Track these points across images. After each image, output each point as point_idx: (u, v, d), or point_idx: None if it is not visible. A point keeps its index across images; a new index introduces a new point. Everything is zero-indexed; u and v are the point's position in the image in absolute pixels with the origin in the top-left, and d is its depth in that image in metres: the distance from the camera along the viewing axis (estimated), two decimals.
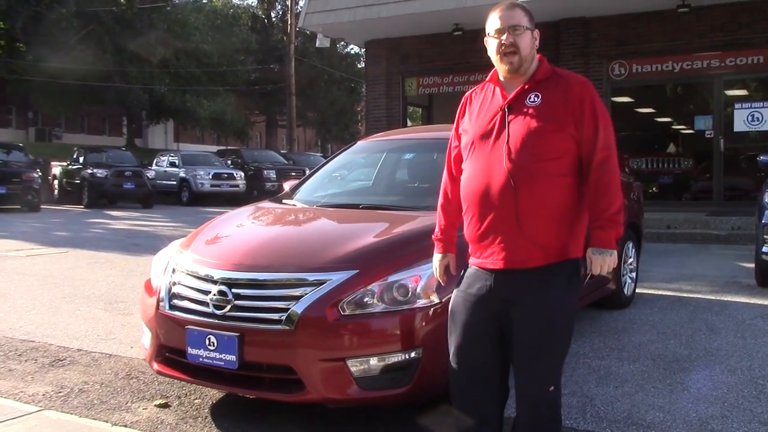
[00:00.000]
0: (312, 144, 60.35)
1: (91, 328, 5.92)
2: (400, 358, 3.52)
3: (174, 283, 3.96)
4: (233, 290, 3.65)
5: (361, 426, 3.82)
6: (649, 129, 16.66)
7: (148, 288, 4.19)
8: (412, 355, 3.53)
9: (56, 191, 24.03)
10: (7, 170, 19.23)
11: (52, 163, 24.81)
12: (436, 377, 3.64)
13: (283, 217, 4.75)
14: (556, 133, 2.67)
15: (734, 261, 9.37)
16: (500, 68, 2.81)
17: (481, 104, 2.86)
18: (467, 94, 3.01)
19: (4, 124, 40.11)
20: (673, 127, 16.60)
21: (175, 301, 3.89)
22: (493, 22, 2.78)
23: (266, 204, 5.21)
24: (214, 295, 3.68)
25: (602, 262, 2.67)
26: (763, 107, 12.83)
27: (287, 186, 5.52)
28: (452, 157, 3.03)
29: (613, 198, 2.68)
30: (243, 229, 4.54)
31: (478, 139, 2.78)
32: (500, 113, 2.74)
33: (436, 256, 3.15)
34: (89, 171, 21.87)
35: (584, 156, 2.70)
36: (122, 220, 17.33)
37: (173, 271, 4.03)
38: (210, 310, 3.68)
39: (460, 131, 2.94)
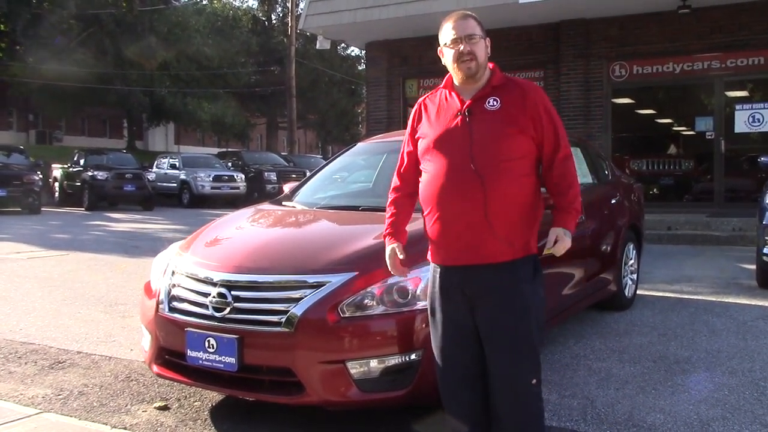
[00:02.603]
0: (313, 146, 60.38)
1: (91, 330, 5.92)
2: (399, 360, 3.51)
3: (173, 286, 3.95)
4: (233, 292, 3.64)
5: (360, 428, 3.81)
6: (650, 130, 16.64)
7: (148, 290, 4.18)
8: (412, 357, 3.52)
9: (57, 194, 24.04)
10: (8, 173, 19.24)
11: (53, 165, 24.82)
12: (435, 379, 3.62)
13: (282, 219, 4.75)
14: (518, 136, 2.82)
15: (735, 262, 9.36)
16: (457, 75, 2.93)
17: (438, 109, 2.97)
18: (420, 100, 3.13)
19: (4, 127, 40.12)
20: (674, 128, 16.59)
21: (175, 304, 3.88)
22: (447, 33, 2.93)
23: (266, 206, 5.20)
24: (214, 297, 3.67)
25: (564, 241, 2.86)
26: (763, 108, 12.81)
27: (287, 188, 5.51)
28: (405, 161, 3.15)
29: (576, 189, 2.94)
30: (243, 231, 4.53)
31: (439, 141, 2.89)
32: (461, 117, 2.87)
33: (389, 248, 3.17)
34: (90, 173, 21.87)
35: (546, 155, 2.89)
36: (123, 222, 17.34)
37: (173, 273, 4.02)
38: (209, 312, 3.67)
39: (417, 136, 3.03)
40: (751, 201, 12.89)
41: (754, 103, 13.24)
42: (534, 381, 2.82)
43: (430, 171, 2.90)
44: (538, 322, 2.85)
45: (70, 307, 6.83)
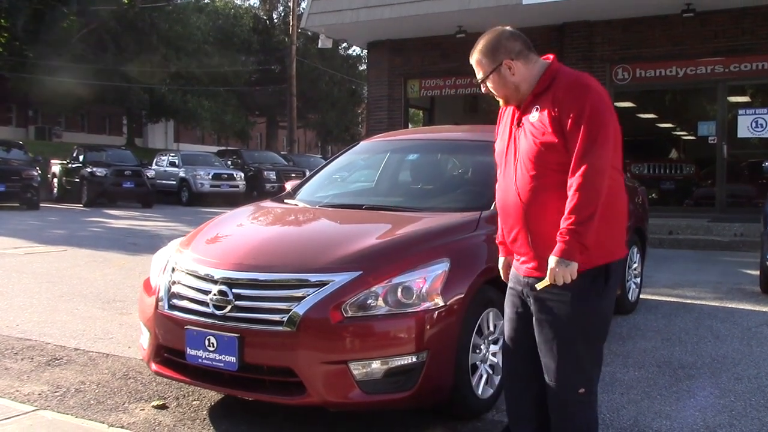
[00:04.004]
0: (312, 145, 60.31)
1: (88, 327, 5.85)
2: (403, 362, 3.45)
3: (173, 283, 3.88)
4: (234, 290, 3.58)
5: (362, 430, 3.74)
6: (652, 134, 16.60)
7: (147, 287, 4.11)
8: (417, 358, 3.45)
9: (56, 189, 23.92)
10: (7, 168, 19.15)
11: (52, 161, 24.69)
12: (440, 381, 3.58)
13: (284, 217, 4.68)
14: (550, 145, 2.69)
15: (738, 268, 9.30)
16: None
17: (504, 121, 2.98)
18: (502, 107, 3.05)
19: (4, 122, 40.02)
20: (676, 132, 16.56)
21: (175, 301, 3.81)
22: None
23: (267, 203, 5.14)
24: (215, 295, 3.60)
25: (557, 272, 2.63)
26: (767, 113, 12.76)
27: (289, 186, 5.44)
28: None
29: (583, 207, 2.57)
30: (244, 228, 4.46)
31: (499, 156, 2.95)
32: (514, 129, 2.85)
33: (501, 259, 3.21)
34: (89, 170, 21.77)
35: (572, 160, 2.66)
36: (121, 219, 17.26)
37: (173, 270, 3.95)
38: (210, 310, 3.61)
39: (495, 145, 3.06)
40: (753, 207, 12.88)
41: (757, 108, 13.19)
42: (582, 390, 2.78)
43: (498, 182, 2.99)
44: (585, 334, 2.75)
45: (68, 303, 6.76)
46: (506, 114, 2.97)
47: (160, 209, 21.26)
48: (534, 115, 2.74)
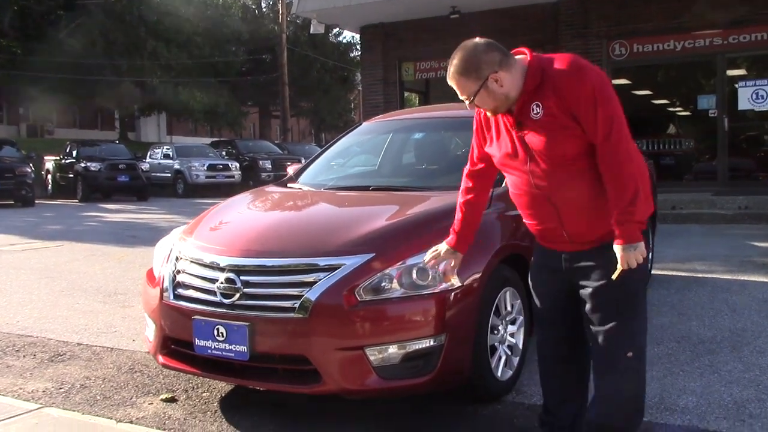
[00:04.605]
0: (306, 133, 59.97)
1: (90, 321, 5.71)
2: (421, 346, 3.33)
3: (178, 272, 3.75)
4: (242, 277, 3.44)
5: (380, 418, 3.62)
6: (651, 109, 16.43)
7: (150, 278, 3.98)
8: (435, 341, 3.33)
9: (50, 186, 23.78)
10: (0, 166, 18.96)
11: (45, 157, 24.52)
12: (459, 364, 3.46)
13: (289, 201, 4.54)
14: (568, 138, 2.61)
15: (745, 240, 9.18)
16: None
17: (496, 124, 2.83)
18: (478, 110, 2.89)
19: None
20: (676, 106, 16.39)
21: (180, 291, 3.67)
22: None
23: (270, 188, 5.00)
24: (222, 283, 3.47)
25: (628, 258, 2.59)
26: (767, 85, 12.62)
27: (291, 170, 5.29)
28: (469, 166, 3.06)
29: (624, 188, 2.56)
30: (248, 214, 4.32)
31: (504, 162, 2.82)
32: (514, 132, 2.73)
33: (445, 246, 3.09)
34: (83, 165, 21.59)
35: (595, 146, 2.62)
36: (118, 213, 17.08)
37: (176, 259, 3.81)
38: (218, 299, 3.47)
39: (486, 150, 2.92)
40: (754, 180, 12.78)
41: (757, 79, 13.03)
42: (630, 354, 2.72)
43: (510, 187, 2.89)
44: (635, 297, 2.74)
45: (68, 298, 6.62)
46: (491, 121, 2.85)
47: (156, 202, 21.09)
48: (537, 112, 2.64)
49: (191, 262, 3.72)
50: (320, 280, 3.34)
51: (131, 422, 3.59)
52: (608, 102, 2.58)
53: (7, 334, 5.34)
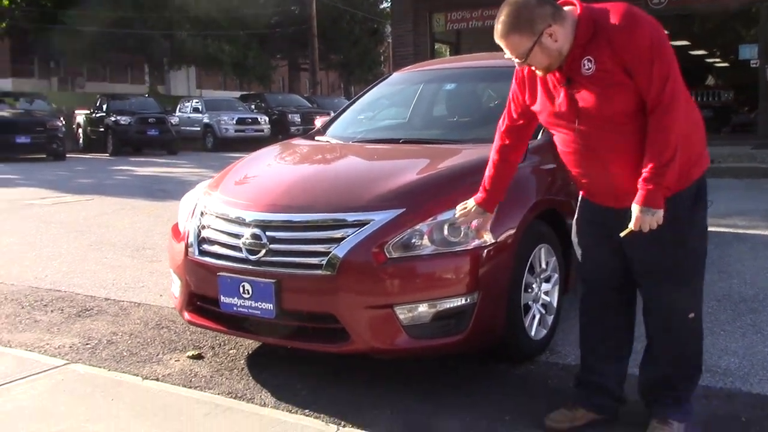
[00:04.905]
0: (335, 87, 59.55)
1: (118, 276, 5.68)
2: (453, 304, 3.21)
3: (203, 227, 3.65)
4: (268, 233, 3.33)
5: (410, 378, 3.53)
6: (689, 60, 15.96)
7: (176, 233, 3.89)
8: (467, 300, 3.21)
9: (81, 140, 23.88)
10: (31, 119, 19.11)
11: (76, 111, 24.61)
12: (492, 323, 3.34)
13: (317, 155, 4.41)
14: (621, 95, 2.49)
15: None
16: None
17: (541, 81, 2.68)
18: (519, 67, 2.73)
19: (26, 74, 39.83)
20: (715, 57, 15.92)
21: (205, 246, 3.59)
22: None
23: (298, 141, 4.87)
24: (247, 238, 3.37)
25: (643, 222, 2.49)
26: None
27: (319, 122, 5.15)
28: (506, 122, 2.93)
29: (663, 150, 2.45)
30: (275, 167, 4.21)
31: (553, 117, 2.68)
32: (563, 89, 2.59)
33: (473, 203, 3.01)
34: (113, 119, 21.67)
35: (646, 103, 2.50)
36: (147, 166, 17.11)
37: (201, 214, 3.72)
38: (243, 255, 3.37)
39: (527, 103, 2.79)
40: None
41: None
42: (691, 315, 2.68)
43: (558, 144, 2.77)
44: (696, 253, 2.67)
45: (97, 252, 6.60)
46: (536, 78, 2.69)
47: (185, 156, 21.09)
48: (589, 67, 2.50)
49: (216, 217, 3.62)
50: (348, 236, 3.22)
51: (157, 379, 3.54)
52: (665, 58, 2.44)
53: (36, 288, 5.33)
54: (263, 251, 3.32)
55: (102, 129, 22.12)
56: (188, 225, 3.75)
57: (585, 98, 2.52)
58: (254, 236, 3.35)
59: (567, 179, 3.91)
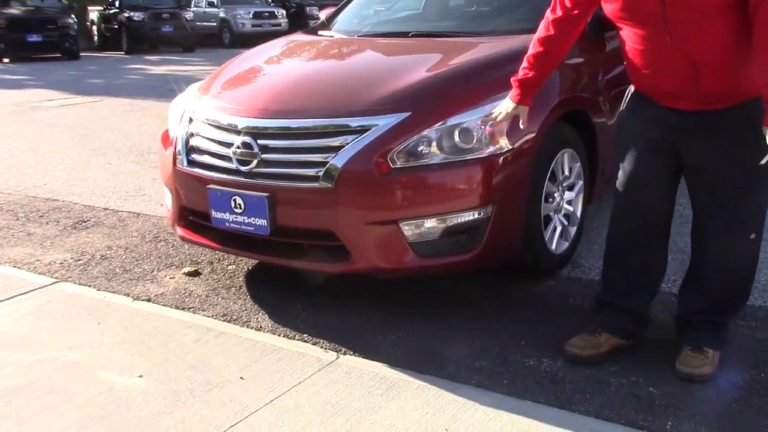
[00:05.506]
0: None
1: (120, 183, 5.42)
2: (465, 219, 2.89)
3: (192, 135, 3.33)
4: (260, 141, 3.01)
5: (418, 298, 3.26)
6: None
7: (165, 140, 3.59)
8: (480, 213, 2.89)
9: (96, 38, 23.31)
10: (41, 17, 18.60)
11: (89, 8, 23.92)
12: (508, 238, 3.04)
13: (318, 52, 4.01)
14: None
15: None
16: None
17: None
18: None
19: None
20: None
21: (194, 156, 3.28)
22: None
23: (299, 36, 4.45)
24: (238, 147, 3.04)
25: None
26: None
27: (323, 14, 4.72)
28: (559, 11, 2.51)
29: None
30: (272, 67, 3.83)
31: (628, 9, 2.28)
32: None
33: (508, 103, 2.66)
34: (126, 15, 21.02)
35: None
36: (161, 65, 16.63)
37: (190, 120, 3.39)
38: (234, 166, 3.06)
39: None
40: None
41: None
42: (753, 236, 2.41)
43: (627, 41, 2.37)
44: (762, 171, 2.28)
45: (100, 157, 6.34)
46: None
47: (201, 53, 20.50)
48: None
49: (206, 123, 3.29)
50: (348, 144, 2.88)
51: (149, 300, 3.30)
52: None
53: (33, 198, 5.09)
54: (255, 161, 3.01)
55: (116, 26, 21.52)
56: (176, 132, 3.43)
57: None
58: (245, 145, 3.03)
59: (594, 75, 3.52)
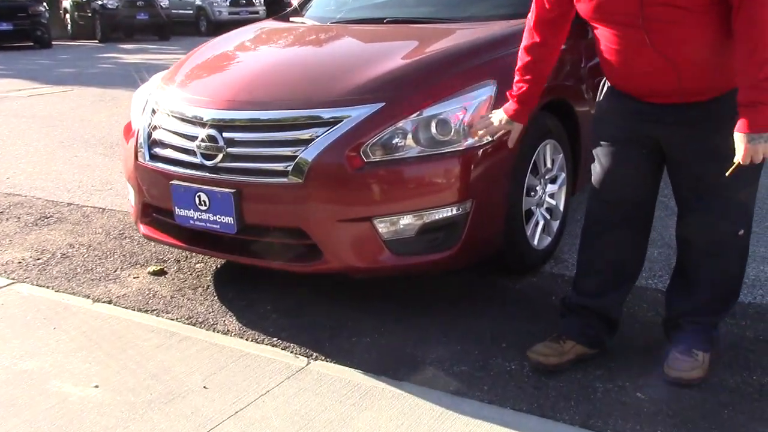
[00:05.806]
0: None
1: (86, 177, 5.22)
2: (441, 215, 2.74)
3: (155, 127, 3.15)
4: (225, 134, 2.84)
5: (398, 299, 3.11)
6: None
7: (127, 133, 3.40)
8: (459, 209, 2.74)
9: (69, 26, 22.87)
10: (12, 4, 18.19)
11: None
12: (488, 234, 2.90)
13: (289, 39, 3.83)
14: None
15: None
16: None
17: None
18: None
19: None
20: None
21: (157, 150, 3.10)
22: None
23: (269, 23, 4.27)
24: (202, 141, 2.87)
25: (754, 151, 2.02)
26: None
27: (296, 1, 4.54)
28: (536, 15, 2.41)
29: (758, 56, 1.97)
30: (239, 55, 3.65)
31: (603, 9, 2.16)
32: None
33: (502, 115, 2.55)
34: (99, 2, 20.63)
35: None
36: (136, 53, 16.30)
37: (153, 111, 3.20)
38: (198, 160, 2.89)
39: None
40: None
41: None
42: (741, 232, 2.31)
43: (603, 40, 2.24)
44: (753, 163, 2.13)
45: (67, 149, 6.12)
46: None
47: (177, 41, 20.15)
48: None
49: (170, 115, 3.11)
50: (318, 137, 2.72)
51: (110, 302, 3.13)
52: None
53: None
54: (220, 156, 2.84)
55: (89, 14, 21.11)
56: (139, 125, 3.25)
57: None
58: (210, 138, 2.86)
59: (577, 62, 3.38)
